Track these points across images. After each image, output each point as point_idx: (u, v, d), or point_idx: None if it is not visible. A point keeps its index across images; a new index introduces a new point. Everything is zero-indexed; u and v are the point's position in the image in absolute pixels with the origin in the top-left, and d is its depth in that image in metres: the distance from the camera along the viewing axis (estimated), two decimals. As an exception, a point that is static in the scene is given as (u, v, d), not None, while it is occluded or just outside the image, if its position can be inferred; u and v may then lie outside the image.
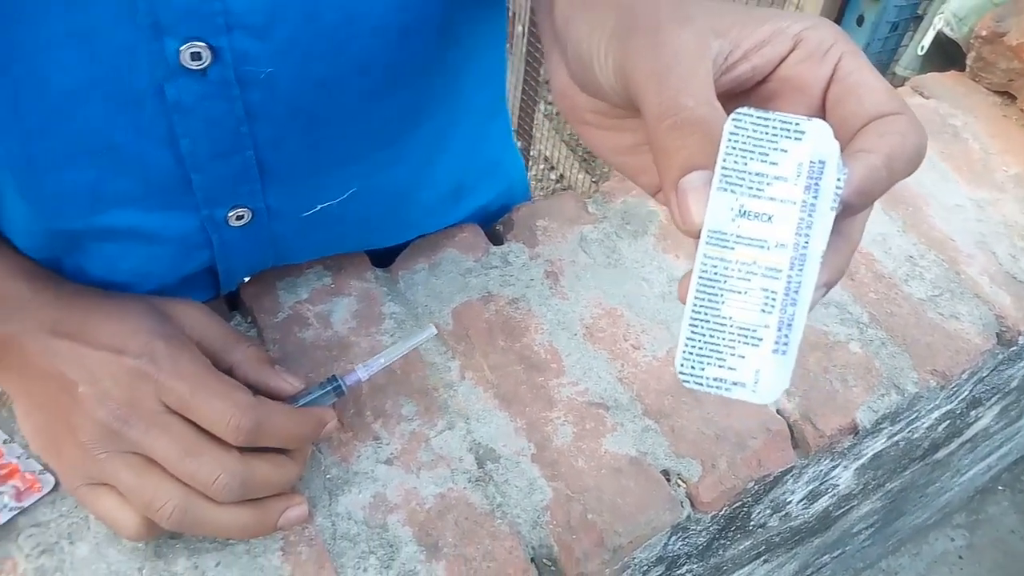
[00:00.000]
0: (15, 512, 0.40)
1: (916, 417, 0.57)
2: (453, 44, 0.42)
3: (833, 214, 0.25)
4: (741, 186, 0.25)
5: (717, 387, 0.26)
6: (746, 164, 0.25)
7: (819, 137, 0.24)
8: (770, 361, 0.26)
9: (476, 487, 0.45)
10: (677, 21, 0.27)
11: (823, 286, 0.27)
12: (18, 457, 0.43)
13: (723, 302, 0.25)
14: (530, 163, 2.13)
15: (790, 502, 0.58)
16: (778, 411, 0.50)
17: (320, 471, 0.44)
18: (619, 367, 0.51)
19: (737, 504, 0.49)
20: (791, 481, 0.52)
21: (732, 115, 0.25)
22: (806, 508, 0.62)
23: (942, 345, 0.54)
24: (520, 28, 1.54)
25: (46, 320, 0.38)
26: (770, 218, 0.25)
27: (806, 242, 0.25)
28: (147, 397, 0.37)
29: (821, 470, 0.55)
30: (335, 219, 0.46)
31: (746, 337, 0.26)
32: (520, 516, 0.44)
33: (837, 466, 0.57)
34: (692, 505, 0.46)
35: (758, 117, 0.25)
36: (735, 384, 0.26)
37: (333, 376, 0.43)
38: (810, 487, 0.57)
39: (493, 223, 0.60)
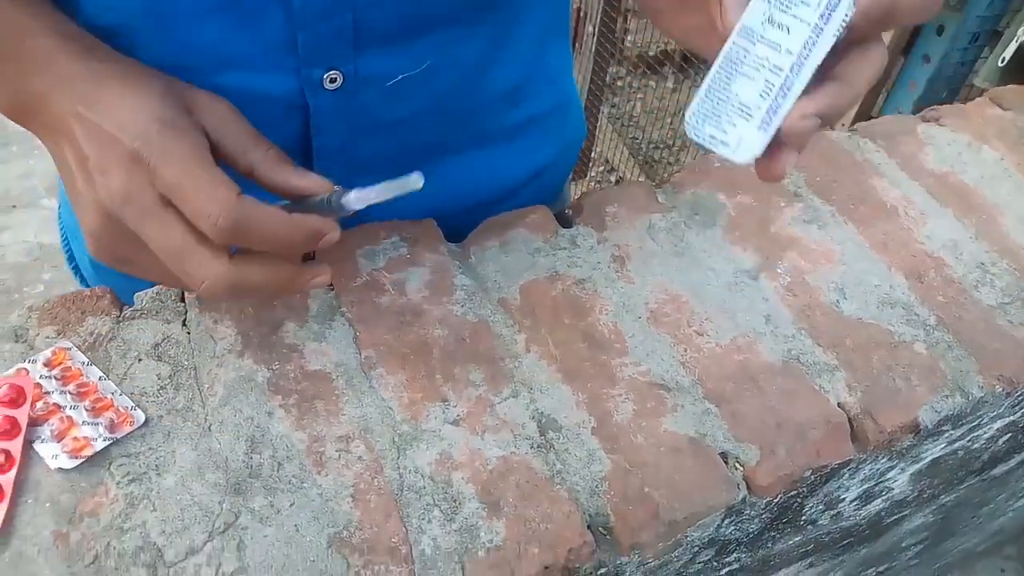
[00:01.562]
0: (109, 442, 0.43)
1: (978, 424, 0.57)
2: None
3: (834, 40, 0.31)
4: (774, 0, 0.31)
5: (709, 142, 0.33)
6: None
7: None
8: (753, 133, 0.32)
9: (537, 453, 0.46)
10: None
11: (815, 115, 0.32)
12: (112, 393, 0.45)
13: (734, 81, 0.32)
14: (591, 165, 2.14)
15: (843, 499, 0.58)
16: (839, 404, 0.50)
17: (390, 426, 0.46)
18: (682, 351, 0.52)
19: (792, 493, 0.50)
20: (847, 476, 0.52)
21: None
22: (858, 509, 0.62)
23: (1011, 352, 0.53)
24: (590, 28, 1.55)
25: (68, 80, 0.38)
26: (788, 30, 0.31)
27: (807, 55, 0.31)
28: (141, 184, 0.36)
29: (878, 468, 0.55)
30: (413, 96, 0.52)
31: (742, 111, 0.33)
32: (579, 484, 0.45)
33: (894, 467, 0.57)
34: (748, 488, 0.47)
35: None
36: (722, 143, 0.33)
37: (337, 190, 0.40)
38: (865, 486, 0.57)
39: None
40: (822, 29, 0.31)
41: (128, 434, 0.44)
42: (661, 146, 2.20)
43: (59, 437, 0.43)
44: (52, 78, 0.38)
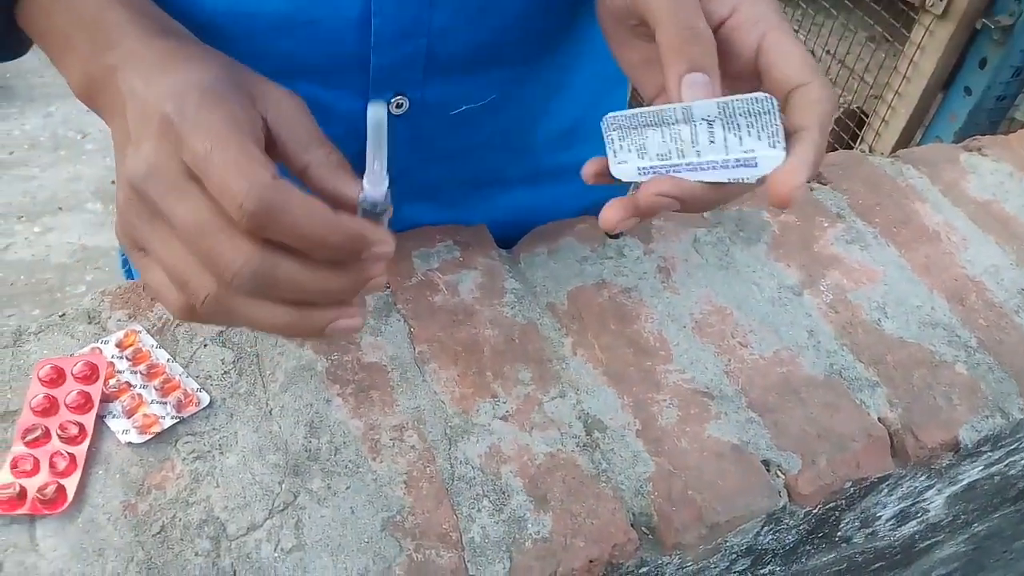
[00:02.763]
0: (176, 421, 0.45)
1: (1017, 448, 0.57)
2: None
3: (727, 181, 0.37)
4: (725, 118, 0.36)
5: (607, 141, 0.40)
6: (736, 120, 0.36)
7: (770, 163, 0.35)
8: (633, 167, 0.39)
9: (583, 452, 0.47)
10: None
11: (665, 196, 0.37)
12: (179, 375, 0.48)
13: (652, 128, 0.38)
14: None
15: (880, 518, 0.58)
16: (880, 419, 0.51)
17: (442, 418, 0.48)
18: (726, 361, 0.53)
19: (831, 505, 0.50)
20: (885, 492, 0.53)
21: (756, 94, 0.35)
22: (893, 529, 0.63)
23: (1052, 376, 0.54)
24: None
25: (137, 57, 0.35)
26: (712, 143, 0.36)
27: (703, 168, 0.37)
28: (168, 154, 0.31)
29: (916, 487, 0.55)
30: (473, 128, 0.53)
31: (639, 149, 0.38)
32: (624, 483, 0.46)
33: (931, 487, 0.57)
34: (789, 496, 0.48)
35: (767, 101, 0.35)
36: (613, 152, 0.40)
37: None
38: (901, 505, 0.58)
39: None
40: (727, 168, 0.36)
41: (194, 414, 0.46)
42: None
43: (129, 413, 0.45)
44: (122, 53, 0.35)
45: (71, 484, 0.42)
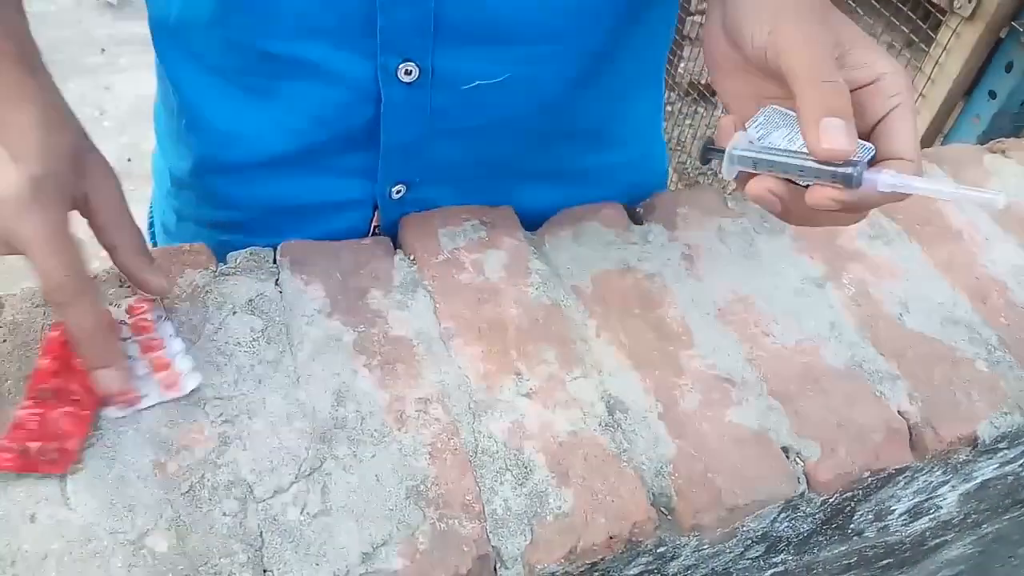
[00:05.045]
0: (155, 403, 0.44)
1: (1033, 448, 0.58)
2: None
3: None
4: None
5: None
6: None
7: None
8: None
9: (605, 431, 0.48)
10: (824, 23, 0.40)
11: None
12: (176, 354, 0.47)
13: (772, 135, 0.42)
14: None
15: (893, 511, 0.59)
16: (899, 412, 0.51)
17: (467, 393, 0.48)
18: (748, 349, 0.53)
19: (848, 494, 0.51)
20: (902, 484, 0.53)
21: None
22: (905, 525, 0.63)
23: (1072, 376, 0.54)
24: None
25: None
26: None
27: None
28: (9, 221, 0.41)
29: (931, 482, 0.56)
30: (488, 105, 0.53)
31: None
32: (644, 464, 0.47)
33: (946, 483, 0.57)
34: (808, 483, 0.48)
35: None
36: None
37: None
38: (915, 500, 0.58)
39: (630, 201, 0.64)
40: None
41: (218, 382, 0.46)
42: (707, 172, 2.21)
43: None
44: None
45: (76, 446, 0.42)
